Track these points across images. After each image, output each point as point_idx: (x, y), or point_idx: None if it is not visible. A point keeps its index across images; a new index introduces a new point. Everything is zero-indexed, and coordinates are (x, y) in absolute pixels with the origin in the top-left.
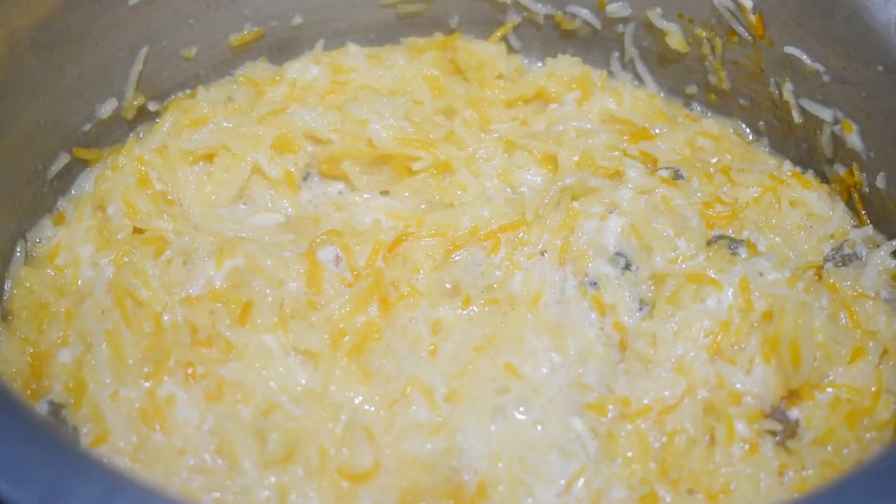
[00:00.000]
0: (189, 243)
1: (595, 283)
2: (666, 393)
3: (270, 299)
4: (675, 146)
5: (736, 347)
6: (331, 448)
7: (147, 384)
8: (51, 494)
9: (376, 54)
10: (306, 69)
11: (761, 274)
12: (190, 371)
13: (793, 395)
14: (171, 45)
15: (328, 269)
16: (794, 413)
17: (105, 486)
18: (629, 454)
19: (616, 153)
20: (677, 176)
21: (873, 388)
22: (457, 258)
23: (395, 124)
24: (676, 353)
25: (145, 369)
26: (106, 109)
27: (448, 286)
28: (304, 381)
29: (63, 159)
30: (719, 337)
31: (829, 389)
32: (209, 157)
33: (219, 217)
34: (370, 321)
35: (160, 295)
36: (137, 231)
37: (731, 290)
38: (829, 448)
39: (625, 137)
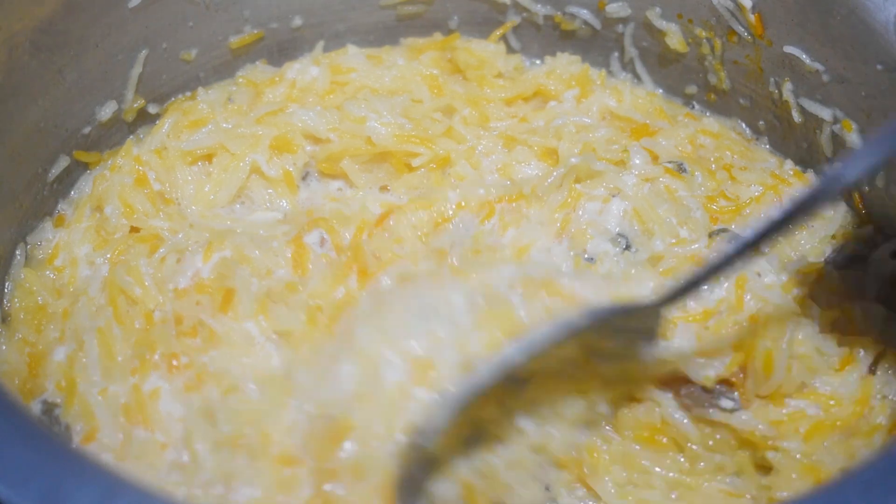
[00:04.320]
0: (183, 241)
1: (593, 259)
2: None
3: (255, 288)
4: (677, 143)
5: (713, 343)
6: (274, 433)
7: (133, 379)
8: (49, 496)
9: (376, 55)
10: (306, 70)
11: (759, 274)
12: (175, 363)
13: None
14: (170, 47)
15: (313, 251)
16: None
17: (103, 488)
18: None
19: (616, 146)
20: (681, 169)
21: (857, 398)
22: (448, 228)
23: (394, 121)
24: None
25: (134, 364)
26: (106, 112)
27: (433, 249)
28: (276, 364)
29: (63, 162)
30: (696, 321)
31: (809, 399)
32: (208, 158)
33: (217, 216)
34: (349, 292)
35: (153, 293)
36: (134, 230)
37: (726, 283)
38: (812, 457)
39: (625, 134)
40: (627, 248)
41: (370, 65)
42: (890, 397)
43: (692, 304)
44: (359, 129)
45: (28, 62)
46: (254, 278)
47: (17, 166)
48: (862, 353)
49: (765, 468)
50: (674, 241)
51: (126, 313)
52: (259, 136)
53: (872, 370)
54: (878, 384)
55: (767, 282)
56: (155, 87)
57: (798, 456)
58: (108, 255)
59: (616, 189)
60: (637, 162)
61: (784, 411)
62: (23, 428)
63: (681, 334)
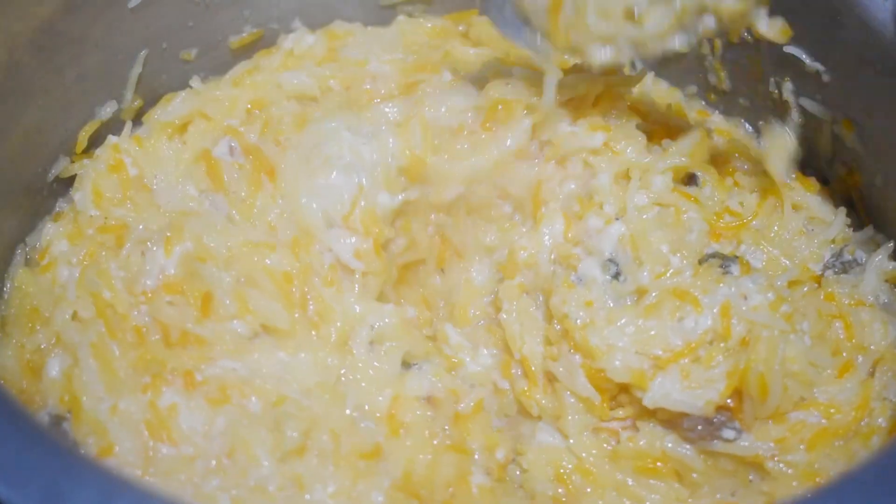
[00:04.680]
0: (144, 232)
1: (581, 281)
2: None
3: (227, 282)
4: (694, 144)
5: (703, 375)
6: (342, 433)
7: (146, 396)
8: (49, 497)
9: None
10: (301, 38)
11: (745, 297)
12: (197, 379)
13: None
14: (170, 47)
15: (224, 162)
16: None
17: (103, 488)
18: None
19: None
20: (693, 182)
21: (857, 403)
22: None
23: (394, 57)
24: (614, 356)
25: (144, 380)
26: (106, 112)
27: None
28: (281, 356)
29: (63, 162)
30: (682, 359)
31: (809, 409)
32: (185, 129)
33: (186, 196)
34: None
35: (123, 295)
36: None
37: (710, 314)
38: (814, 465)
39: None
40: (616, 276)
41: (367, 30)
42: (890, 398)
43: (674, 340)
44: (360, 72)
45: (28, 62)
46: (223, 273)
47: (16, 166)
48: (860, 358)
49: (764, 473)
50: (661, 270)
51: (118, 326)
52: (235, 98)
53: (871, 373)
54: (877, 386)
55: (753, 303)
56: (155, 87)
57: (802, 466)
58: (82, 254)
59: (623, 210)
60: (657, 184)
61: (785, 427)
62: (23, 428)
63: (662, 378)
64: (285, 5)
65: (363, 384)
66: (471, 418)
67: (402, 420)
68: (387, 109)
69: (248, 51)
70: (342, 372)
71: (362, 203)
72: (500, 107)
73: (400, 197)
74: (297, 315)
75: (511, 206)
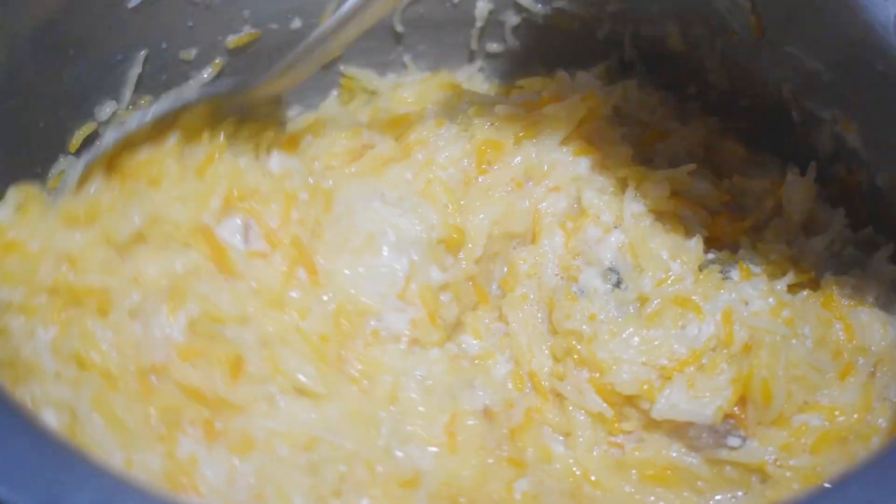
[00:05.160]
0: (137, 302)
1: (583, 292)
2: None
3: (250, 341)
4: (690, 146)
5: (709, 383)
6: (377, 463)
7: (161, 447)
8: (49, 496)
9: None
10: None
11: (746, 303)
12: (216, 428)
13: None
14: (170, 47)
15: (235, 249)
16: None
17: (104, 490)
18: None
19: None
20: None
21: (859, 404)
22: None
23: None
24: (622, 369)
25: (160, 430)
26: (105, 112)
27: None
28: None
29: (63, 162)
30: (688, 367)
31: (812, 413)
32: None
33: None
34: (306, 292)
35: (113, 357)
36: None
37: (713, 320)
38: (816, 469)
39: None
40: (618, 284)
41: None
42: (890, 398)
43: (678, 349)
44: None
45: (28, 63)
46: (243, 332)
47: (16, 167)
48: (861, 360)
49: (766, 477)
50: (663, 276)
51: (120, 376)
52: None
53: (872, 374)
54: (878, 387)
55: (755, 309)
56: (155, 88)
57: (804, 470)
58: (47, 323)
59: (620, 219)
60: (655, 193)
61: (789, 431)
62: (23, 428)
63: (669, 389)
64: (284, 6)
65: (398, 417)
66: (525, 428)
67: (458, 436)
68: (400, 171)
69: (245, 51)
70: (390, 411)
71: (419, 276)
72: (488, 150)
73: (450, 271)
74: (331, 372)
75: (517, 238)
